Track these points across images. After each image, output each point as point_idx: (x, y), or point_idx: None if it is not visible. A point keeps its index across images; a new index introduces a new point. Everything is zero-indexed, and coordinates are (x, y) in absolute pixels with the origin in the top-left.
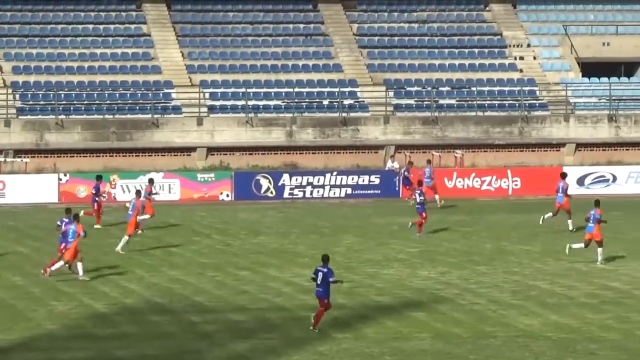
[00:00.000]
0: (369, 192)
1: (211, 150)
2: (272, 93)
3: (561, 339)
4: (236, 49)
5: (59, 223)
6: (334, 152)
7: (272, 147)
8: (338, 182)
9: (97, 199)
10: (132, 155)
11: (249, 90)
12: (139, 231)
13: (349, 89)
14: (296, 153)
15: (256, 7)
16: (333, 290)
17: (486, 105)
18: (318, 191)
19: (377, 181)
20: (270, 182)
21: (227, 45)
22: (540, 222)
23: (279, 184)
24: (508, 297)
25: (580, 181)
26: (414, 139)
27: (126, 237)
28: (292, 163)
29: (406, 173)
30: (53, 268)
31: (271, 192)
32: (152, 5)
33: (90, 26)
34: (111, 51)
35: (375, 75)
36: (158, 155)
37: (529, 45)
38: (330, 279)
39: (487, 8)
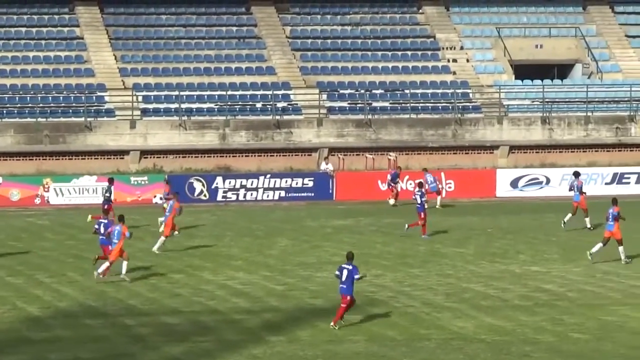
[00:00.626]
0: (302, 194)
1: (144, 153)
2: (205, 96)
3: (495, 342)
4: (169, 51)
5: (96, 227)
6: (267, 155)
7: (205, 150)
8: (271, 185)
9: (108, 201)
10: (66, 159)
11: (182, 93)
12: (176, 232)
13: (282, 91)
14: (229, 156)
15: (189, 10)
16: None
17: (419, 107)
18: (251, 194)
19: (311, 184)
20: (203, 185)
21: (160, 48)
22: (562, 226)
23: (212, 187)
24: (442, 300)
25: (514, 183)
26: (348, 142)
27: (163, 238)
28: (225, 166)
29: (393, 178)
30: (100, 270)
31: (204, 195)
32: (84, 8)
33: (23, 29)
34: (44, 54)
35: (309, 78)
36: (91, 159)
37: (462, 48)
38: (356, 277)
39: (420, 10)
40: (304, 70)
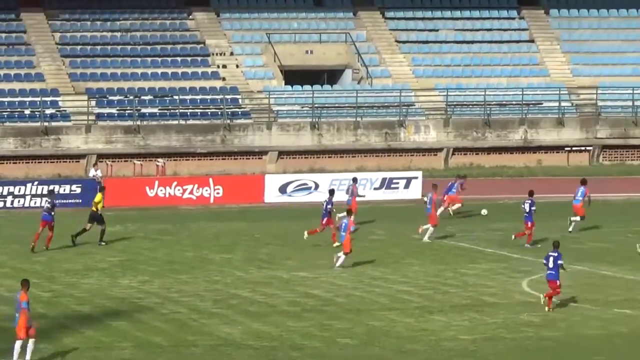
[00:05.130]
0: (70, 201)
1: None
2: None
3: (263, 347)
4: None
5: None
6: (35, 162)
7: None
8: (39, 192)
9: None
10: None
11: None
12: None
13: (50, 98)
14: None
15: None
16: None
17: (188, 113)
18: (19, 201)
19: (79, 190)
20: None
21: None
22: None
23: None
24: (210, 306)
25: (283, 189)
26: (116, 148)
27: (431, 228)
28: None
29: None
30: (338, 264)
31: None
32: None
33: None
34: None
35: (78, 85)
36: None
37: (232, 54)
38: (559, 262)
39: (191, 16)
40: (73, 76)
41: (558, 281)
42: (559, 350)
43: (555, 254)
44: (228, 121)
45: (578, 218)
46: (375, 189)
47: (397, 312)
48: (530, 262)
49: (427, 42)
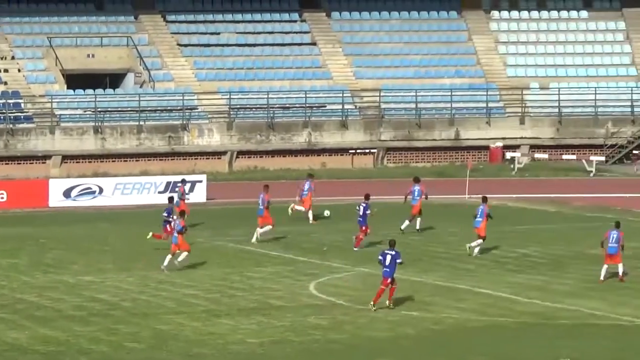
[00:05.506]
0: None
1: None
2: None
3: (50, 352)
4: None
5: (165, 214)
6: None
7: None
8: None
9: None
10: None
11: None
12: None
13: None
14: None
15: None
16: None
17: None
18: None
19: None
20: None
21: None
22: (401, 228)
23: None
24: None
25: (67, 193)
26: None
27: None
28: None
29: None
30: (180, 258)
31: None
32: None
33: None
34: None
35: None
36: None
37: (13, 58)
38: (398, 260)
39: None
40: None
41: (391, 278)
42: (346, 353)
43: (393, 252)
44: (11, 126)
45: (407, 222)
46: (159, 192)
47: (184, 316)
48: (316, 265)
49: (208, 45)
